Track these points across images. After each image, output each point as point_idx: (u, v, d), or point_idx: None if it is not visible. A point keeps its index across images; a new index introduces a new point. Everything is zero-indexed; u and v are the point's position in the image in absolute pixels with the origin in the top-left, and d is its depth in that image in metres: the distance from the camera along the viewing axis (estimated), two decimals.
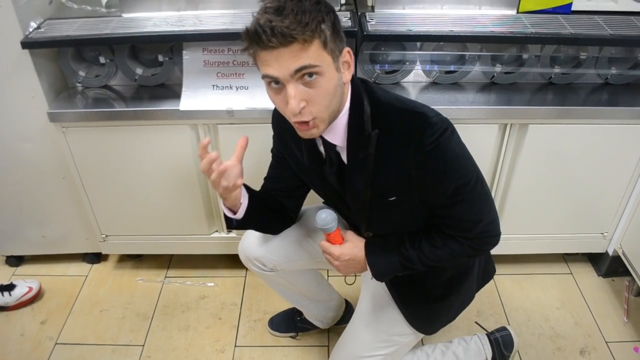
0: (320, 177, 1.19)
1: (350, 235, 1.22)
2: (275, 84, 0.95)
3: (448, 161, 1.03)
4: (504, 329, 1.64)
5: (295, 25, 0.87)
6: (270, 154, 1.31)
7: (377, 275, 1.20)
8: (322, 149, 1.14)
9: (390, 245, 1.18)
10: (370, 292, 1.37)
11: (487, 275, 1.41)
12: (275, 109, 1.17)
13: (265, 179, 1.33)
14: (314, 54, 0.90)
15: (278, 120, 1.21)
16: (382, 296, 1.33)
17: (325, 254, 1.20)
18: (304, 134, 1.02)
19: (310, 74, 0.92)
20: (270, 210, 1.29)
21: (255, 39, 0.89)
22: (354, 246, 1.20)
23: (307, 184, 1.29)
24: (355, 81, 1.06)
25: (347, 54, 0.99)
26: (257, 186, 1.32)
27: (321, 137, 1.09)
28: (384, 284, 1.31)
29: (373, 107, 1.05)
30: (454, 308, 1.35)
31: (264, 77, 0.95)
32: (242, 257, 1.43)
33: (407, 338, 1.35)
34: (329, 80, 0.94)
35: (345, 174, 1.13)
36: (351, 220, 1.29)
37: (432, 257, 1.14)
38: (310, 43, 0.89)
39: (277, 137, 1.26)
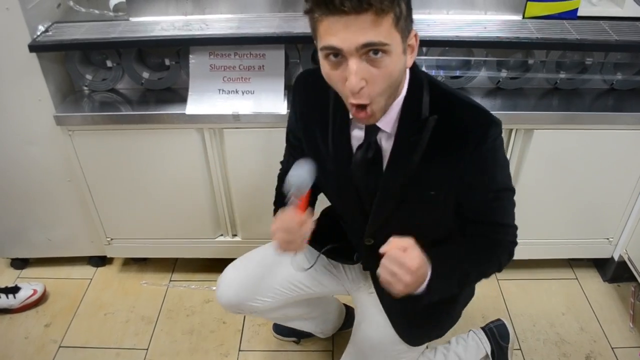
0: (339, 166, 1.09)
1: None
2: (334, 57, 0.86)
3: (499, 164, 1.01)
4: (497, 320, 1.63)
5: None
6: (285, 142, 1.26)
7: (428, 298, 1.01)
8: (355, 132, 1.05)
9: (450, 261, 1.05)
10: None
11: (472, 291, 1.37)
12: (298, 86, 1.13)
13: (282, 168, 1.29)
14: (385, 30, 0.82)
15: (307, 99, 1.13)
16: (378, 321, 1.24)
17: (392, 265, 0.92)
18: (361, 120, 0.95)
19: (376, 51, 0.83)
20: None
21: (325, 1, 0.80)
22: (422, 255, 0.96)
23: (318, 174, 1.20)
24: (415, 68, 0.99)
25: (413, 37, 0.91)
26: (267, 190, 1.32)
27: None
28: (382, 310, 1.23)
29: (433, 94, 0.98)
30: (444, 327, 1.30)
31: (324, 48, 0.86)
32: (224, 307, 1.32)
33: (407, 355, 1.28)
34: (394, 62, 0.86)
35: (382, 160, 1.04)
36: (349, 223, 1.22)
37: (479, 274, 1.09)
38: (384, 15, 0.80)
39: (299, 119, 1.16)
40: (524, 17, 1.54)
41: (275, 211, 1.28)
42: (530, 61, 1.58)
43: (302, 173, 1.03)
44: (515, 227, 1.10)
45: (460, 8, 1.54)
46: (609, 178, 1.68)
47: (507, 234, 1.09)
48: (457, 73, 1.61)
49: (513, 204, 1.08)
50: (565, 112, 1.55)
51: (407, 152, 1.00)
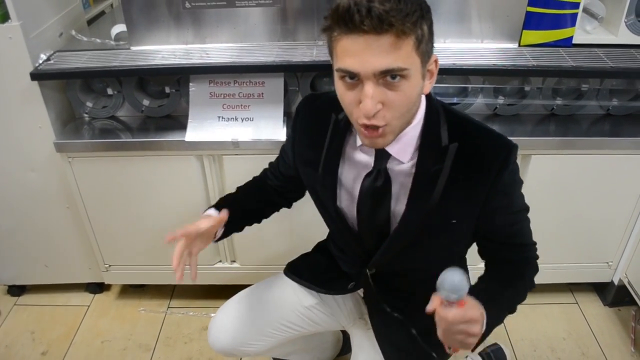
0: (325, 191, 1.08)
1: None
2: (350, 79, 0.83)
3: (518, 186, 1.02)
4: (494, 344, 1.62)
5: (395, 13, 0.76)
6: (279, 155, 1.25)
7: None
8: (360, 156, 1.02)
9: (497, 299, 1.01)
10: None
11: None
12: (301, 108, 1.12)
13: (270, 170, 1.29)
14: (405, 53, 0.80)
15: (308, 123, 1.11)
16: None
17: (458, 325, 0.85)
18: (369, 141, 0.91)
19: (394, 76, 0.81)
20: (256, 213, 1.27)
21: (345, 19, 0.78)
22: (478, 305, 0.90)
23: (313, 198, 1.17)
24: (430, 95, 0.98)
25: (433, 63, 0.89)
26: None
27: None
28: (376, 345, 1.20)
29: (450, 121, 0.97)
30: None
31: (340, 70, 0.84)
32: (217, 353, 1.30)
33: None
34: (413, 87, 0.84)
35: (390, 190, 1.01)
36: (348, 253, 1.20)
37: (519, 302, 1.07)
38: (405, 37, 0.78)
39: (296, 142, 1.13)
40: (519, 45, 1.56)
41: (237, 193, 1.28)
42: (527, 88, 1.60)
43: (461, 280, 0.83)
44: (535, 243, 1.11)
45: (457, 37, 1.56)
46: (607, 202, 1.68)
47: (531, 252, 1.10)
48: (455, 100, 1.62)
49: (529, 221, 1.09)
50: (563, 137, 1.56)
51: (430, 183, 0.97)
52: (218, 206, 1.19)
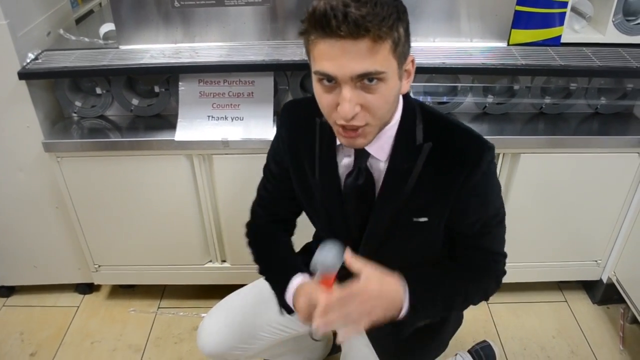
0: (328, 195, 1.07)
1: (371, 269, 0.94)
2: (327, 82, 0.84)
3: (493, 189, 1.01)
4: (483, 341, 1.63)
5: (372, 17, 0.76)
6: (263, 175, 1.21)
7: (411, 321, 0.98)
8: (344, 160, 1.03)
9: (433, 280, 1.02)
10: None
11: (459, 320, 1.34)
12: (284, 116, 1.12)
13: (259, 205, 1.22)
14: (382, 57, 0.80)
15: (293, 130, 1.10)
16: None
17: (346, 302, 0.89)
18: (348, 141, 0.91)
19: (372, 79, 0.82)
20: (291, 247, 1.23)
21: (321, 23, 0.78)
22: (386, 281, 0.94)
23: (303, 203, 1.16)
24: (407, 95, 0.98)
25: (410, 63, 0.90)
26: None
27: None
28: (368, 342, 1.20)
29: (426, 120, 0.98)
30: (431, 357, 1.27)
31: (318, 73, 0.84)
32: (207, 356, 1.27)
33: None
34: (390, 88, 0.85)
35: (374, 188, 1.02)
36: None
37: (465, 297, 1.06)
38: (382, 42, 0.79)
39: (287, 149, 1.11)
40: (508, 44, 1.57)
41: (249, 242, 1.24)
42: (516, 87, 1.60)
43: (331, 256, 0.93)
44: (505, 256, 1.10)
45: (447, 36, 1.57)
46: (595, 200, 1.69)
47: (497, 262, 1.09)
48: (444, 99, 1.63)
49: (504, 230, 1.08)
50: (551, 136, 1.57)
51: (401, 179, 0.98)
52: (292, 270, 1.14)
